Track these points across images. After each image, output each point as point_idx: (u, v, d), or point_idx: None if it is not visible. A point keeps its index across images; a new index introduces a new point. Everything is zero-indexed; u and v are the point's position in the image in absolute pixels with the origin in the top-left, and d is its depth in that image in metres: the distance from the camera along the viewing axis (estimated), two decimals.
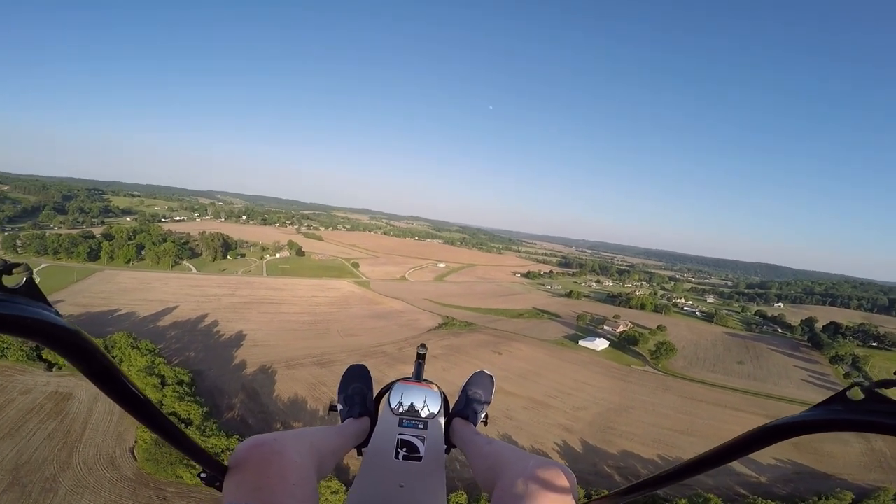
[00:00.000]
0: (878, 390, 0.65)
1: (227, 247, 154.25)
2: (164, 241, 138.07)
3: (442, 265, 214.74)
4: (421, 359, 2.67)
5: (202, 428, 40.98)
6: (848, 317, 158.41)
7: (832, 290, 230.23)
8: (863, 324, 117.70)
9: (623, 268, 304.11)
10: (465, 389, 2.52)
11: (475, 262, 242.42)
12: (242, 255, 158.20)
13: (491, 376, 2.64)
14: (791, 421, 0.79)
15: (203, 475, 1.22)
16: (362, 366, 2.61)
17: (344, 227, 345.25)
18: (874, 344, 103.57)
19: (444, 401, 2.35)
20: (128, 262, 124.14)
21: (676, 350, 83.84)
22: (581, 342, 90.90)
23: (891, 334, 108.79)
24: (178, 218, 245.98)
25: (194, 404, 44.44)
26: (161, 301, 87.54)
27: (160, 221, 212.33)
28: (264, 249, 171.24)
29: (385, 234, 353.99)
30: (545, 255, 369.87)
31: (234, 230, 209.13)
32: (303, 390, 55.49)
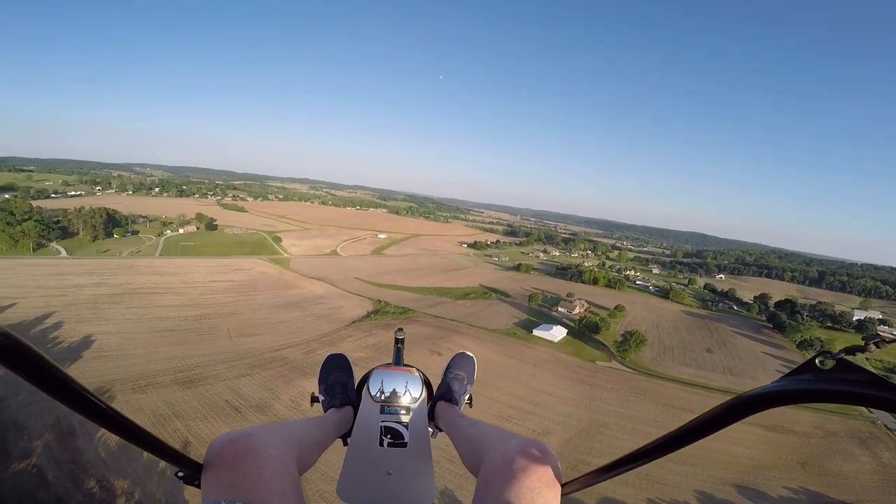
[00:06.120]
0: (846, 357, 0.68)
1: (113, 223, 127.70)
2: (30, 219, 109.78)
3: (383, 236, 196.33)
4: (399, 343, 2.60)
5: None
6: (784, 289, 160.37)
7: (762, 261, 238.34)
8: (820, 302, 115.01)
9: (567, 236, 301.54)
10: (446, 372, 2.51)
11: (420, 233, 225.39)
12: (135, 233, 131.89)
13: (472, 357, 2.64)
14: (765, 392, 0.78)
15: (181, 474, 1.20)
16: (341, 355, 2.52)
17: (276, 198, 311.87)
18: (830, 324, 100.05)
19: (427, 385, 2.27)
20: None
21: (647, 342, 73.00)
22: (536, 331, 78.17)
23: (846, 314, 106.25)
24: (72, 193, 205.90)
25: None
26: None
27: (49, 198, 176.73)
28: (165, 224, 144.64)
29: (323, 203, 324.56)
30: (492, 223, 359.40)
31: (140, 204, 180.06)
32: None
